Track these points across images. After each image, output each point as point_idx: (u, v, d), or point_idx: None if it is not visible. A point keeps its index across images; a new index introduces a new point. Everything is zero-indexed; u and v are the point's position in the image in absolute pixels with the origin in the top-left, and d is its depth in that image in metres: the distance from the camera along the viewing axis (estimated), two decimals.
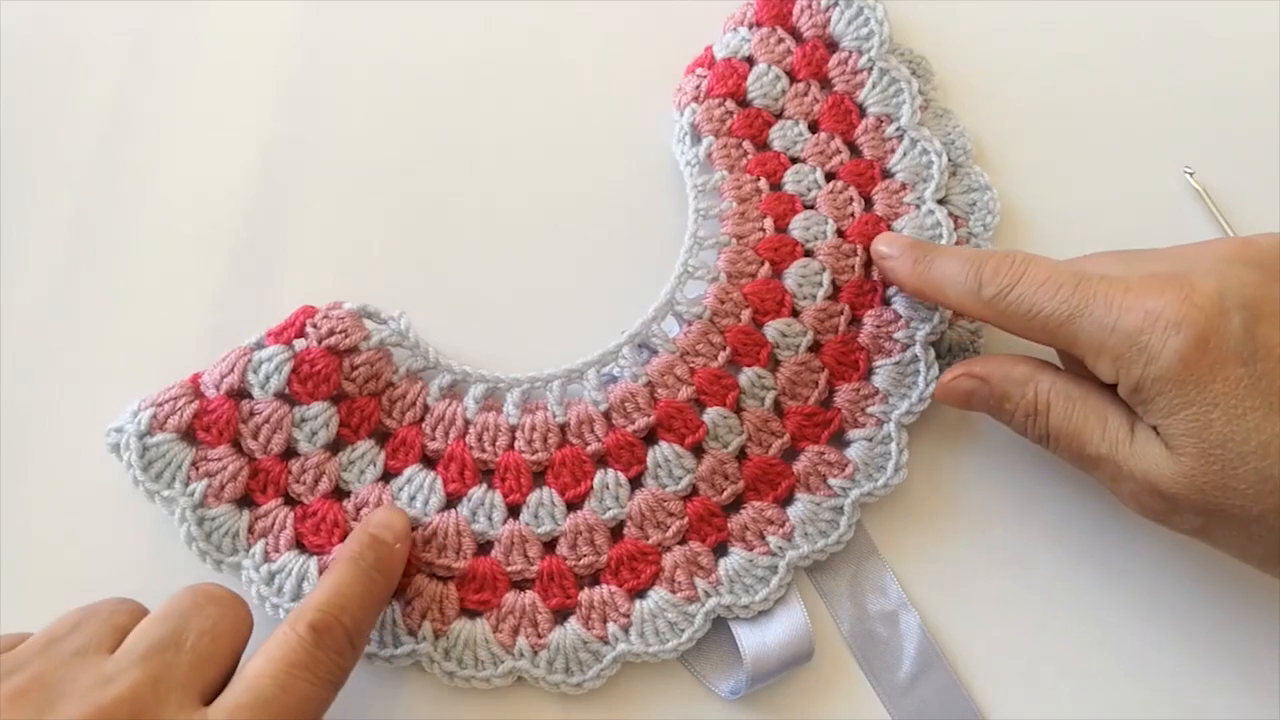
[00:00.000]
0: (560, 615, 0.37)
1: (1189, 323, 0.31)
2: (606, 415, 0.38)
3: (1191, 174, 0.42)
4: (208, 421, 0.36)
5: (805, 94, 0.42)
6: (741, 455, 0.38)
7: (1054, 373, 0.35)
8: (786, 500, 0.38)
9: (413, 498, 0.37)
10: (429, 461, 0.38)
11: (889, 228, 0.40)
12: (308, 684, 0.30)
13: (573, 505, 0.37)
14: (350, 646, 0.32)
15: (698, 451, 0.38)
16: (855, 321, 0.39)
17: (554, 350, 0.39)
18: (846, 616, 0.38)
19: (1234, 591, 0.38)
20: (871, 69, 0.42)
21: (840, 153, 0.41)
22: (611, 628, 0.36)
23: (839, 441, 0.39)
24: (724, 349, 0.38)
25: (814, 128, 0.42)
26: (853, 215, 0.40)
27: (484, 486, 0.37)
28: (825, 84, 0.42)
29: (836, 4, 0.42)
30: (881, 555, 0.38)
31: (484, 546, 0.37)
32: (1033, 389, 0.35)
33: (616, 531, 0.37)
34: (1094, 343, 0.33)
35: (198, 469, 0.36)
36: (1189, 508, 0.32)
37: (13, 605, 0.37)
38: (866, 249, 0.40)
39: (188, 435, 0.37)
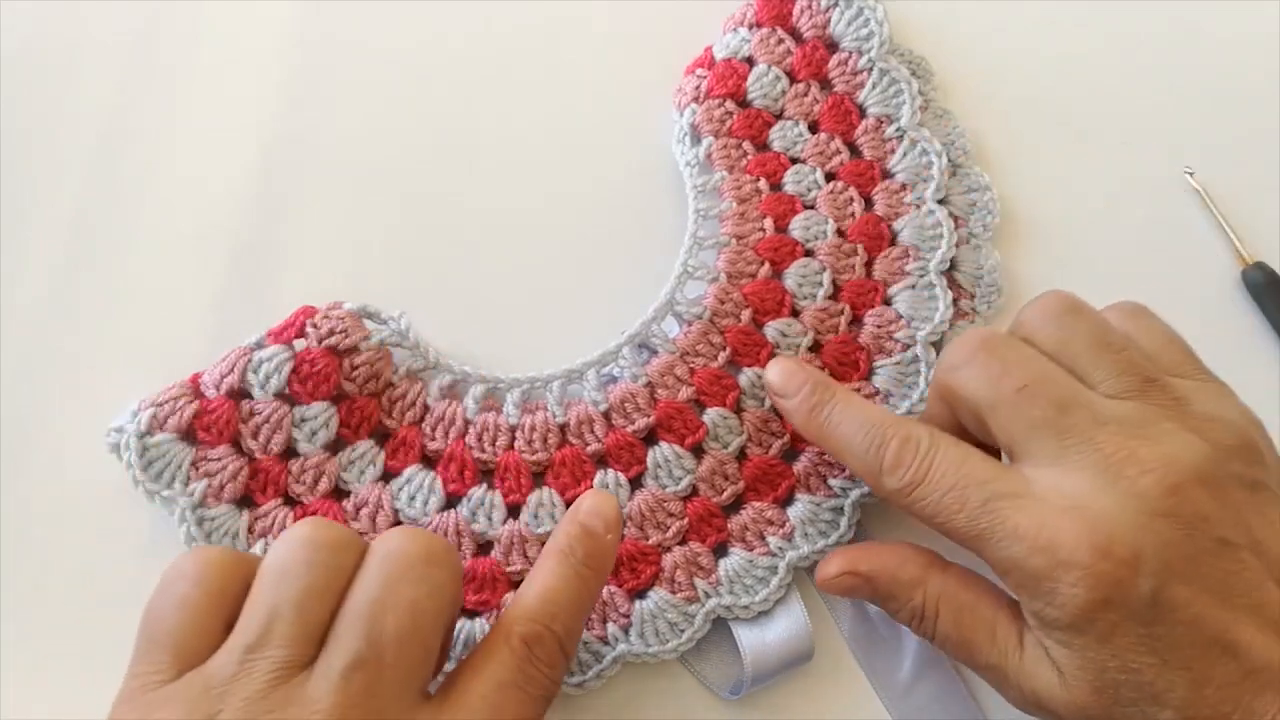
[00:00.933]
0: None
1: (1098, 584, 0.29)
2: (606, 415, 0.38)
3: (1191, 174, 0.42)
4: (208, 421, 0.36)
5: (805, 94, 0.42)
6: (741, 456, 0.38)
7: (943, 575, 0.33)
8: (786, 501, 0.38)
9: (412, 498, 0.37)
10: (429, 461, 0.38)
11: (889, 228, 0.40)
12: (519, 703, 0.29)
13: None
14: (563, 656, 0.30)
15: (698, 452, 0.38)
16: (856, 321, 0.39)
17: (554, 350, 0.39)
18: (846, 616, 0.38)
19: None
20: (871, 69, 0.42)
21: (840, 153, 0.41)
22: (611, 628, 0.36)
23: None
24: (724, 349, 0.38)
25: (814, 128, 0.42)
26: (853, 215, 0.40)
27: (484, 486, 0.37)
28: (825, 84, 0.42)
29: (836, 4, 0.42)
30: None
31: (484, 546, 0.37)
32: (920, 594, 0.33)
33: None
34: (999, 566, 0.31)
35: (198, 469, 0.36)
36: None
37: (13, 605, 0.37)
38: (868, 249, 0.40)
39: (188, 435, 0.37)
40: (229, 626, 0.29)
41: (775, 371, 0.36)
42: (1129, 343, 0.33)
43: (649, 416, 0.38)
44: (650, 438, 0.38)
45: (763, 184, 0.40)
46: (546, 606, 0.30)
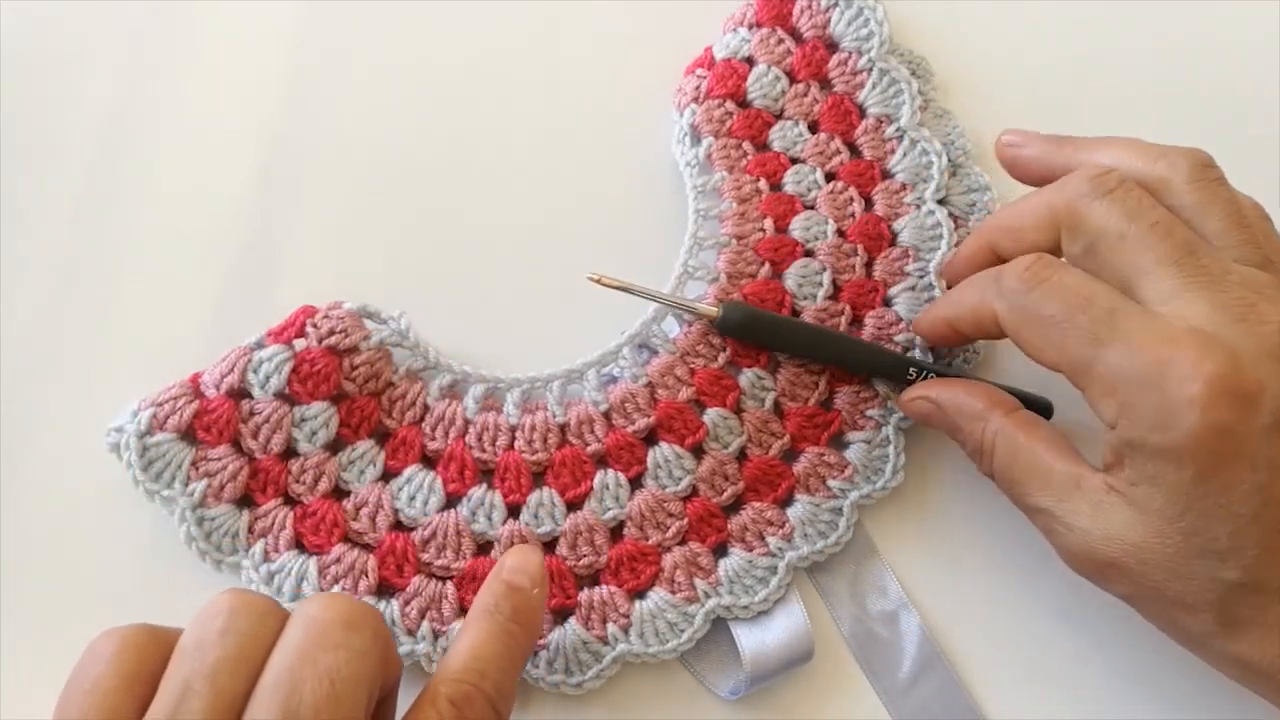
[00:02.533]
0: (560, 615, 0.37)
1: (1218, 409, 0.28)
2: (606, 415, 0.38)
3: None
4: (208, 421, 0.36)
5: (805, 94, 0.42)
6: (741, 456, 0.38)
7: (1005, 415, 0.34)
8: (786, 501, 0.38)
9: (412, 498, 0.37)
10: (429, 461, 0.38)
11: (889, 228, 0.40)
12: None
13: (573, 505, 0.37)
14: (495, 714, 0.30)
15: (698, 452, 0.38)
16: (856, 322, 0.39)
17: (554, 350, 0.39)
18: (847, 616, 0.38)
19: None
20: (871, 69, 0.42)
21: (840, 153, 0.41)
22: (611, 628, 0.36)
23: (838, 443, 0.39)
24: (724, 350, 0.38)
25: (814, 128, 0.42)
26: (853, 215, 0.40)
27: (484, 486, 0.37)
28: (825, 84, 0.42)
29: (836, 4, 0.42)
30: (881, 555, 0.38)
31: (484, 546, 0.37)
32: (980, 428, 0.34)
33: (616, 532, 0.37)
34: (1107, 382, 0.30)
35: (197, 469, 0.36)
36: (1122, 576, 0.31)
37: (13, 605, 0.37)
38: (868, 249, 0.40)
39: (188, 435, 0.37)
40: (146, 708, 0.27)
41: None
42: (1257, 223, 0.33)
43: (649, 417, 0.38)
44: (650, 438, 0.38)
45: (763, 184, 0.40)
46: (474, 664, 0.30)
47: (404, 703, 0.30)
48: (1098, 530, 0.31)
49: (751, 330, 0.38)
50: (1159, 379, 0.29)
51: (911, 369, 0.37)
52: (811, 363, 0.38)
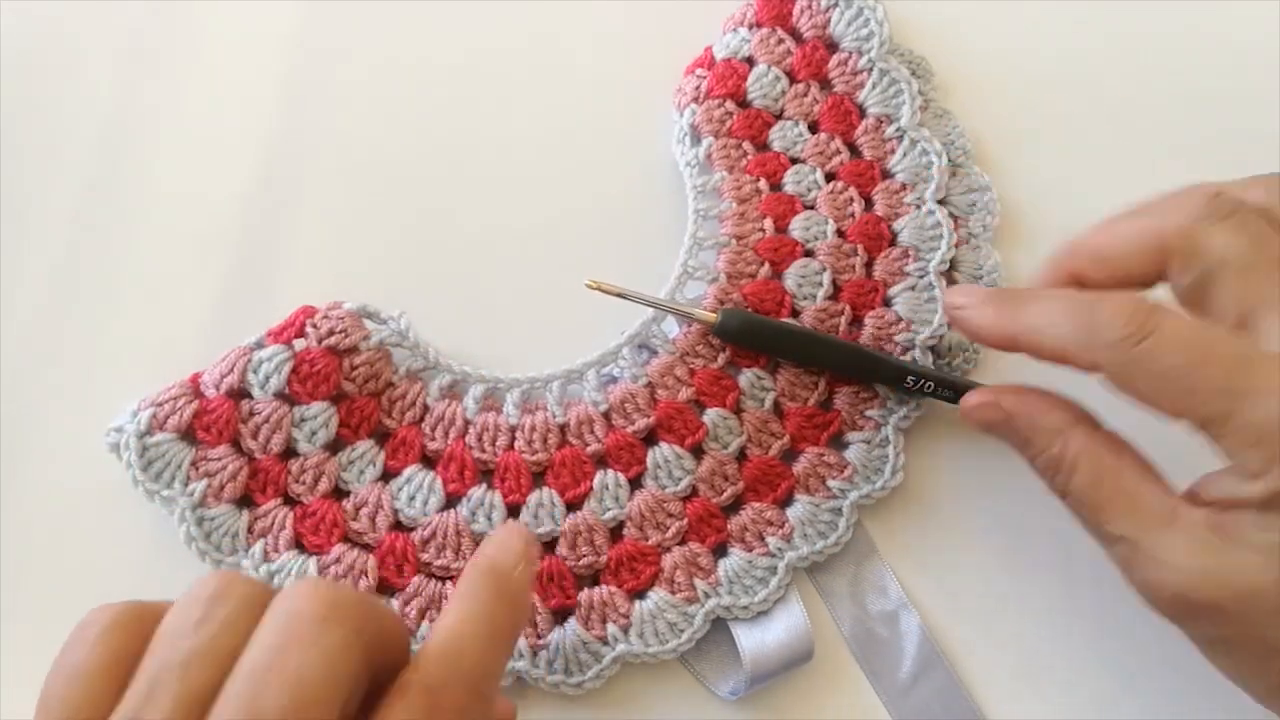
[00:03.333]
0: (560, 615, 0.37)
1: None
2: (606, 416, 0.38)
3: None
4: (207, 421, 0.36)
5: (805, 94, 0.42)
6: (741, 456, 0.38)
7: (1090, 431, 0.31)
8: (786, 501, 0.38)
9: (412, 498, 0.37)
10: (429, 461, 0.38)
11: (889, 228, 0.40)
12: None
13: (572, 506, 0.37)
14: (477, 696, 0.27)
15: (697, 452, 0.38)
16: (856, 322, 0.39)
17: (554, 350, 0.39)
18: (847, 617, 0.38)
19: None
20: (871, 70, 0.42)
21: (840, 153, 0.41)
22: (611, 628, 0.36)
23: (838, 443, 0.39)
24: (723, 350, 0.38)
25: (814, 128, 0.42)
26: (853, 215, 0.40)
27: (484, 487, 0.37)
28: (825, 85, 0.42)
29: (836, 4, 0.42)
30: (881, 555, 0.38)
31: None
32: (1061, 444, 0.31)
33: (616, 532, 0.37)
34: (1250, 433, 0.27)
35: (197, 469, 0.36)
36: (1217, 619, 0.29)
37: (13, 605, 0.37)
38: (868, 249, 0.40)
39: (187, 435, 0.37)
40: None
41: (956, 291, 0.34)
42: None
43: (649, 417, 0.38)
44: (650, 438, 0.38)
45: (763, 184, 0.40)
46: (451, 645, 0.27)
47: None
48: (1195, 569, 0.29)
49: (749, 337, 0.38)
50: None
51: (910, 377, 0.37)
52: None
